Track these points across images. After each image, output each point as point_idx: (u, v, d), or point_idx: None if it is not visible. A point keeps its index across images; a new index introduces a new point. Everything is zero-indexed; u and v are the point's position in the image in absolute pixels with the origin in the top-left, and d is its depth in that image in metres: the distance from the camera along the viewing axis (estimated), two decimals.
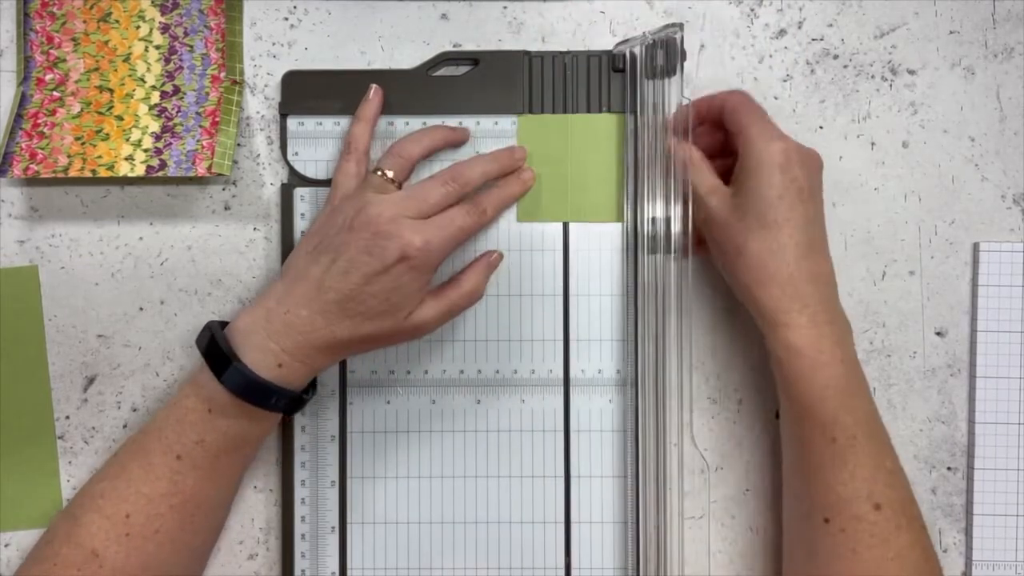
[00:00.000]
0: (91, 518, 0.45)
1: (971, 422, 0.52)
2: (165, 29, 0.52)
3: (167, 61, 0.52)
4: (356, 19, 0.53)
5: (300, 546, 0.51)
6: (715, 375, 0.52)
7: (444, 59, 0.52)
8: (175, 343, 0.52)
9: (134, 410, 0.52)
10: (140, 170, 0.50)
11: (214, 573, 0.51)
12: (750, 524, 0.52)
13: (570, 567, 0.51)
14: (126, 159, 0.50)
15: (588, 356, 0.51)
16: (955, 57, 0.52)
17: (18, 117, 0.50)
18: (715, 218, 0.46)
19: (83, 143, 0.50)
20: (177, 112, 0.51)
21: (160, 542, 0.45)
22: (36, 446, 0.52)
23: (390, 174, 0.48)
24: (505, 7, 0.53)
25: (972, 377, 0.52)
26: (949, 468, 0.52)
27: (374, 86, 0.51)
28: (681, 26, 0.47)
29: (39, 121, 0.51)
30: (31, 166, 0.50)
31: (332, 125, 0.52)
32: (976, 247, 0.52)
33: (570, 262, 0.52)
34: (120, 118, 0.51)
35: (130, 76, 0.51)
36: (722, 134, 0.49)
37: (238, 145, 0.52)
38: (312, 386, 0.49)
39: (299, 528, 0.51)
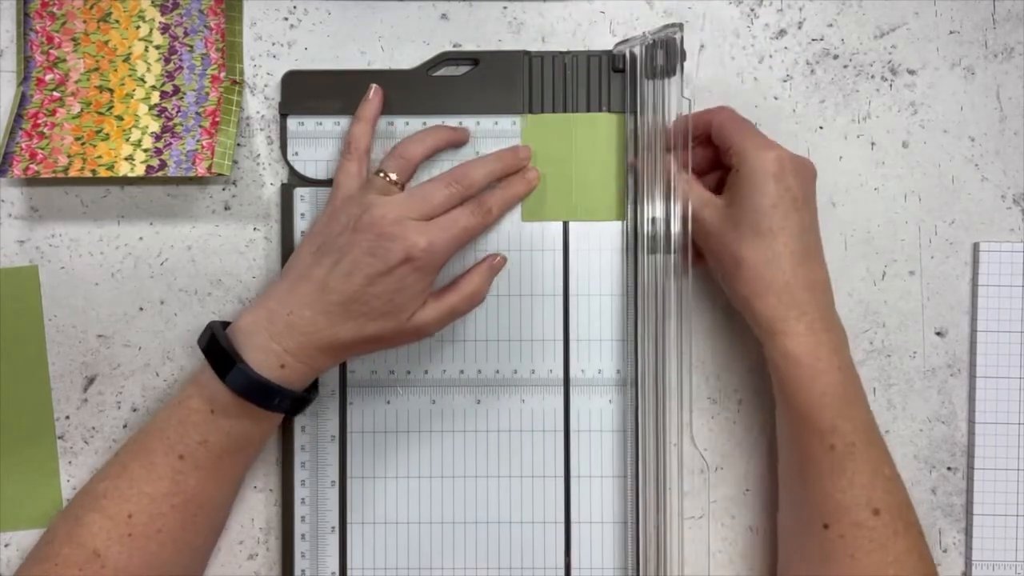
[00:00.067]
0: (93, 518, 0.45)
1: (971, 422, 0.52)
2: (165, 29, 0.52)
3: (167, 61, 0.52)
4: (356, 19, 0.53)
5: (300, 546, 0.51)
6: (715, 375, 0.52)
7: (444, 59, 0.52)
8: (175, 343, 0.52)
9: (134, 410, 0.52)
10: (140, 170, 0.50)
11: (214, 573, 0.51)
12: (750, 524, 0.52)
13: (570, 567, 0.51)
14: (126, 159, 0.50)
15: (588, 356, 0.51)
16: (955, 57, 0.52)
17: (18, 117, 0.50)
18: (710, 230, 0.47)
19: (83, 143, 0.50)
20: (177, 112, 0.51)
21: (162, 542, 0.45)
22: (36, 446, 0.52)
23: (393, 176, 0.48)
24: (505, 7, 0.53)
25: (972, 377, 0.52)
26: (949, 468, 0.52)
27: (374, 86, 0.51)
28: (681, 26, 0.47)
29: (39, 121, 0.51)
30: (31, 166, 0.50)
31: (332, 125, 0.52)
32: (976, 247, 0.52)
33: (570, 262, 0.52)
34: (120, 118, 0.51)
35: (130, 76, 0.51)
36: (710, 150, 0.49)
37: (238, 145, 0.52)
38: (314, 387, 0.49)
39: (299, 528, 0.51)
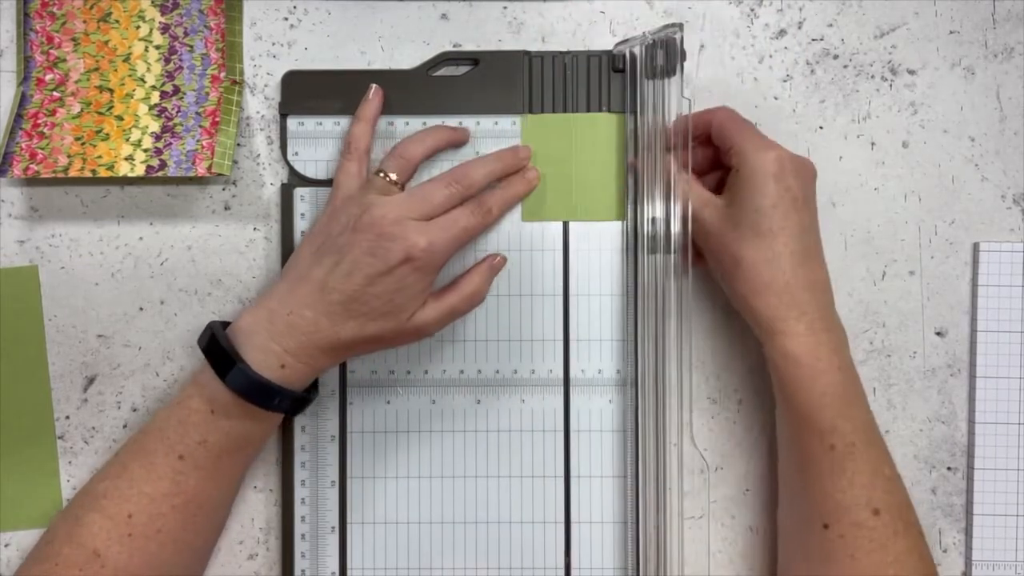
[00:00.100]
0: (93, 518, 0.45)
1: (971, 422, 0.52)
2: (165, 29, 0.52)
3: (167, 61, 0.52)
4: (356, 19, 0.53)
5: (300, 546, 0.51)
6: (715, 375, 0.52)
7: (444, 59, 0.52)
8: (175, 343, 0.52)
9: (134, 410, 0.52)
10: (140, 170, 0.50)
11: (214, 573, 0.51)
12: (750, 524, 0.52)
13: (570, 567, 0.51)
14: (126, 159, 0.50)
15: (588, 356, 0.51)
16: (955, 57, 0.52)
17: (18, 117, 0.50)
18: (710, 230, 0.47)
19: (83, 143, 0.50)
20: (177, 112, 0.51)
21: (162, 542, 0.45)
22: (36, 446, 0.52)
23: (393, 176, 0.48)
24: (505, 7, 0.53)
25: (972, 377, 0.52)
26: (949, 468, 0.52)
27: (374, 86, 0.51)
28: (681, 26, 0.47)
29: (39, 121, 0.51)
30: (31, 166, 0.50)
31: (332, 125, 0.52)
32: (976, 247, 0.52)
33: (570, 262, 0.52)
34: (120, 118, 0.51)
35: (130, 76, 0.51)
36: (710, 150, 0.49)
37: (238, 145, 0.52)
38: (314, 387, 0.49)
39: (299, 528, 0.51)
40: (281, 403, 0.46)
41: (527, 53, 0.52)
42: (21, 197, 0.52)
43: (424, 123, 0.52)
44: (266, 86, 0.52)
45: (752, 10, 0.53)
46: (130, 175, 0.50)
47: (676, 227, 0.47)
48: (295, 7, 0.53)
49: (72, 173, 0.50)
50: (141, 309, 0.52)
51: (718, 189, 0.48)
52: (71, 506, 0.47)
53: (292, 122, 0.52)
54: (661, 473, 0.48)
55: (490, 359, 0.52)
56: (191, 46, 0.52)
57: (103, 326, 0.52)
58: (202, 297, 0.52)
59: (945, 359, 0.52)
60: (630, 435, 0.51)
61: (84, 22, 0.52)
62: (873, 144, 0.52)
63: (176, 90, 0.51)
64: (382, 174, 0.48)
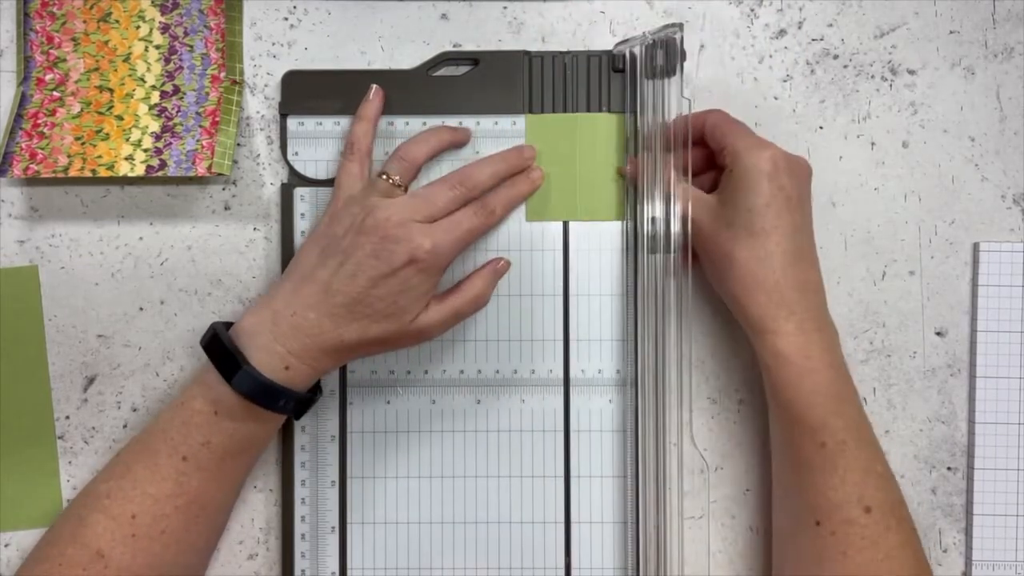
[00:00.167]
0: (96, 518, 0.45)
1: (971, 422, 0.52)
2: (165, 29, 0.52)
3: (167, 61, 0.52)
4: (356, 19, 0.53)
5: (300, 546, 0.51)
6: (715, 375, 0.52)
7: (444, 59, 0.52)
8: (175, 343, 0.52)
9: (134, 410, 0.52)
10: (140, 170, 0.50)
11: (214, 573, 0.51)
12: (750, 524, 0.52)
13: (570, 567, 0.51)
14: (126, 159, 0.50)
15: (588, 356, 0.51)
16: (955, 57, 0.52)
17: (18, 117, 0.50)
18: (703, 229, 0.47)
19: (83, 143, 0.50)
20: (177, 112, 0.51)
21: (166, 543, 0.45)
22: (36, 446, 0.52)
23: (396, 178, 0.48)
24: (505, 7, 0.53)
25: (972, 377, 0.52)
26: (949, 468, 0.52)
27: (375, 86, 0.51)
28: (681, 26, 0.47)
29: (39, 121, 0.51)
30: (31, 166, 0.50)
31: (332, 125, 0.52)
32: (976, 247, 0.52)
33: (570, 262, 0.52)
34: (120, 118, 0.51)
35: (130, 76, 0.51)
36: (704, 151, 0.49)
37: (238, 145, 0.52)
38: (317, 388, 0.50)
39: (299, 528, 0.51)
40: (286, 404, 0.46)
41: (527, 53, 0.52)
42: (21, 197, 0.52)
43: (424, 123, 0.52)
44: (266, 86, 0.52)
45: (752, 10, 0.53)
46: (130, 175, 0.50)
47: (676, 227, 0.47)
48: (295, 7, 0.53)
49: (72, 173, 0.50)
50: (141, 309, 0.52)
51: (711, 190, 0.48)
52: (74, 506, 0.47)
53: (292, 122, 0.52)
54: (661, 473, 0.48)
55: (490, 359, 0.52)
56: (191, 46, 0.52)
57: (103, 326, 0.52)
58: (202, 297, 0.52)
59: (945, 359, 0.52)
60: (630, 435, 0.51)
61: (84, 22, 0.52)
62: (873, 144, 0.52)
63: (176, 90, 0.51)
64: (385, 176, 0.48)
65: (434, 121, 0.52)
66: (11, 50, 0.52)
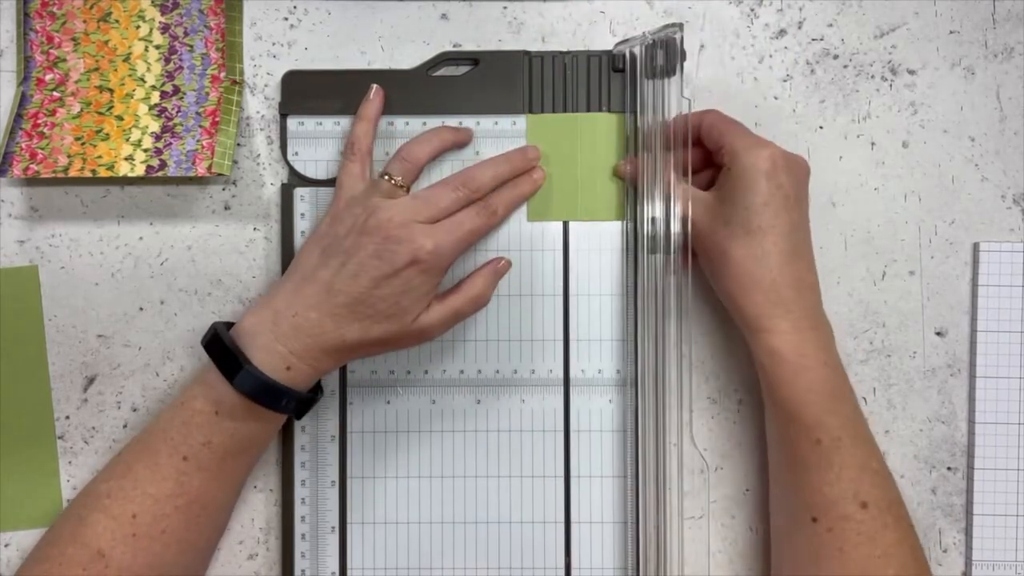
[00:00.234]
0: (97, 518, 0.45)
1: (971, 422, 0.52)
2: (165, 29, 0.52)
3: (167, 61, 0.52)
4: (356, 19, 0.53)
5: (300, 546, 0.51)
6: (715, 375, 0.52)
7: (444, 59, 0.52)
8: (175, 343, 0.52)
9: (134, 410, 0.52)
10: (140, 170, 0.50)
11: (214, 573, 0.51)
12: (750, 524, 0.52)
13: (570, 567, 0.51)
14: (126, 159, 0.50)
15: (588, 356, 0.51)
16: (955, 57, 0.52)
17: (18, 117, 0.50)
18: (700, 227, 0.47)
19: (83, 143, 0.50)
20: (177, 112, 0.51)
21: (166, 543, 0.45)
22: (36, 446, 0.52)
23: (398, 179, 0.48)
24: (505, 7, 0.53)
25: (972, 377, 0.52)
26: (949, 468, 0.52)
27: (375, 86, 0.51)
28: (681, 26, 0.47)
29: (39, 121, 0.51)
30: (31, 166, 0.50)
31: (332, 125, 0.52)
32: (976, 247, 0.52)
33: (570, 262, 0.52)
34: (120, 118, 0.51)
35: (130, 76, 0.51)
36: (700, 150, 0.49)
37: (238, 145, 0.52)
38: (319, 388, 0.50)
39: (299, 528, 0.51)
40: (288, 404, 0.46)
41: (527, 53, 0.52)
42: (21, 197, 0.52)
43: (424, 123, 0.52)
44: (266, 86, 0.52)
45: (752, 10, 0.53)
46: (130, 175, 0.50)
47: (676, 227, 0.47)
48: (295, 7, 0.53)
49: (72, 173, 0.50)
50: (141, 309, 0.52)
51: (706, 189, 0.48)
52: (74, 506, 0.47)
53: (292, 122, 0.52)
54: (661, 473, 0.48)
55: (490, 359, 0.52)
56: (191, 46, 0.52)
57: (103, 326, 0.52)
58: (202, 297, 0.52)
59: (945, 359, 0.52)
60: (630, 435, 0.51)
61: (84, 22, 0.52)
62: (873, 144, 0.52)
63: (176, 90, 0.51)
64: (387, 177, 0.48)
65: (434, 121, 0.52)
66: (11, 50, 0.52)
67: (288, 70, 0.52)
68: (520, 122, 0.52)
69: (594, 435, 0.51)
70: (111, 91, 0.51)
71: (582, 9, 0.53)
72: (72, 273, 0.52)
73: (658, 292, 0.48)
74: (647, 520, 0.49)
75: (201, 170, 0.50)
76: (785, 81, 0.52)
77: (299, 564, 0.51)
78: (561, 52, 0.52)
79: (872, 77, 0.52)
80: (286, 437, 0.51)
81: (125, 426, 0.52)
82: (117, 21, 0.52)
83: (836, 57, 0.52)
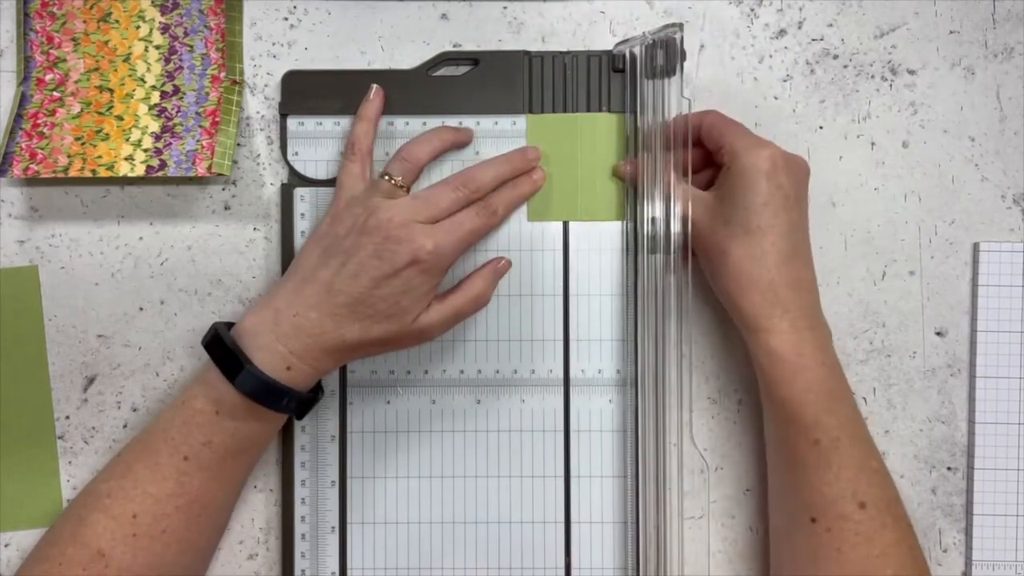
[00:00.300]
0: (97, 518, 0.45)
1: (971, 422, 0.52)
2: (165, 29, 0.52)
3: (167, 61, 0.52)
4: (356, 19, 0.53)
5: (300, 546, 0.51)
6: (715, 375, 0.52)
7: (444, 59, 0.52)
8: (175, 343, 0.52)
9: (134, 410, 0.52)
10: (140, 170, 0.50)
11: (214, 573, 0.51)
12: (750, 524, 0.52)
13: (570, 567, 0.51)
14: (126, 159, 0.50)
15: (588, 356, 0.51)
16: (955, 57, 0.52)
17: (18, 117, 0.50)
18: (699, 227, 0.47)
19: (83, 143, 0.50)
20: (177, 112, 0.51)
21: (167, 542, 0.45)
22: (36, 446, 0.52)
23: (398, 179, 0.48)
24: (505, 7, 0.53)
25: (972, 377, 0.52)
26: (949, 468, 0.52)
27: (375, 86, 0.51)
28: (681, 26, 0.47)
29: (39, 121, 0.51)
30: (31, 166, 0.50)
31: (332, 125, 0.52)
32: (976, 247, 0.52)
33: (570, 262, 0.52)
34: (120, 118, 0.51)
35: (130, 76, 0.51)
36: (699, 151, 0.49)
37: (238, 145, 0.52)
38: (319, 388, 0.50)
39: (299, 528, 0.51)
40: (289, 404, 0.46)
41: (527, 53, 0.52)
42: (21, 197, 0.52)
43: (424, 123, 0.52)
44: (266, 86, 0.52)
45: (752, 10, 0.53)
46: (130, 175, 0.50)
47: (676, 227, 0.47)
48: (295, 7, 0.53)
49: (72, 173, 0.50)
50: (141, 309, 0.52)
51: (705, 188, 0.48)
52: (74, 506, 0.47)
53: (292, 122, 0.52)
54: (661, 473, 0.48)
55: (490, 359, 0.52)
56: (191, 46, 0.52)
57: (103, 326, 0.52)
58: (202, 297, 0.52)
59: (945, 359, 0.52)
60: (630, 435, 0.51)
61: (84, 22, 0.52)
62: (873, 144, 0.52)
63: (176, 90, 0.51)
64: (387, 177, 0.48)
65: (434, 121, 0.52)
66: (11, 50, 0.52)
67: (288, 70, 0.52)
68: (520, 122, 0.52)
69: (594, 435, 0.51)
70: (111, 91, 0.51)
71: (582, 9, 0.53)
72: (72, 273, 0.52)
73: (658, 292, 0.48)
74: (647, 520, 0.49)
75: (201, 170, 0.50)
76: (785, 81, 0.52)
77: (299, 564, 0.51)
78: (561, 52, 0.52)
79: (872, 77, 0.52)
80: (286, 437, 0.51)
81: (125, 426, 0.52)
82: (117, 21, 0.52)
83: (836, 57, 0.52)
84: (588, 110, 0.52)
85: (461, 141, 0.51)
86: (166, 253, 0.52)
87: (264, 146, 0.52)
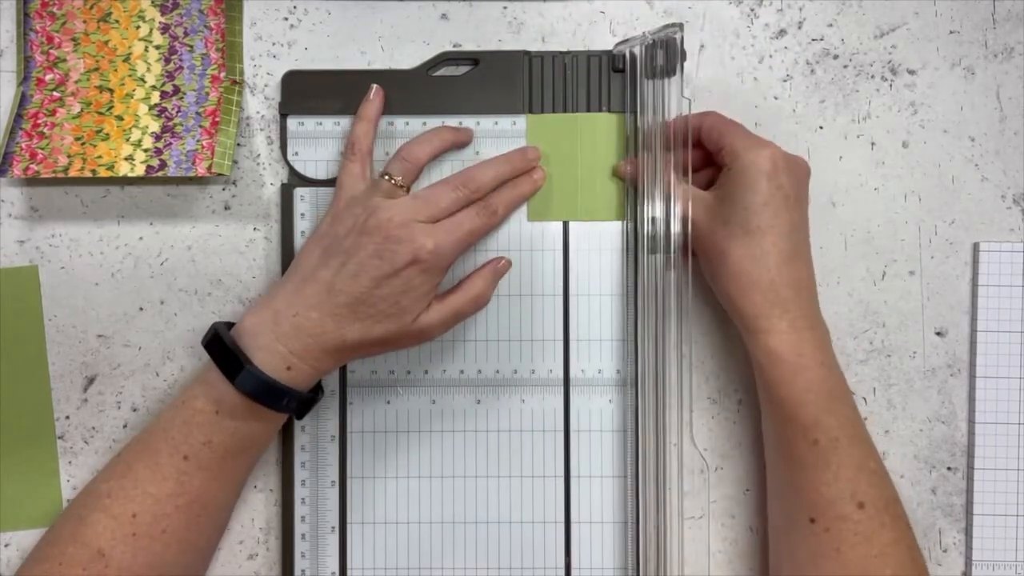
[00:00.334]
0: (97, 517, 0.45)
1: (971, 422, 0.52)
2: (165, 29, 0.52)
3: (167, 61, 0.52)
4: (356, 19, 0.53)
5: (300, 546, 0.51)
6: (715, 375, 0.52)
7: (444, 59, 0.52)
8: (175, 343, 0.52)
9: (134, 410, 0.52)
10: (140, 170, 0.50)
11: (214, 573, 0.51)
12: (750, 524, 0.52)
13: (570, 567, 0.51)
14: (126, 159, 0.50)
15: (588, 356, 0.51)
16: (955, 57, 0.52)
17: (18, 117, 0.50)
18: (699, 227, 0.47)
19: (83, 143, 0.50)
20: (177, 112, 0.51)
21: (167, 542, 0.45)
22: (36, 446, 0.52)
23: (398, 179, 0.48)
24: (505, 7, 0.53)
25: (972, 377, 0.52)
26: (949, 468, 0.52)
27: (375, 86, 0.51)
28: (681, 26, 0.47)
29: (39, 121, 0.51)
30: (31, 166, 0.50)
31: (332, 125, 0.52)
32: (976, 247, 0.52)
33: (570, 262, 0.52)
34: (120, 118, 0.51)
35: (130, 76, 0.51)
36: (699, 151, 0.49)
37: (238, 145, 0.52)
38: (319, 388, 0.50)
39: (299, 528, 0.51)
40: (289, 404, 0.46)
41: (527, 53, 0.52)
42: (21, 197, 0.52)
43: (424, 123, 0.52)
44: (266, 86, 0.52)
45: (752, 10, 0.53)
46: (130, 175, 0.50)
47: (676, 227, 0.47)
48: (295, 7, 0.53)
49: (72, 173, 0.50)
50: (141, 309, 0.52)
51: (705, 188, 0.48)
52: (74, 505, 0.47)
53: (292, 122, 0.52)
54: (661, 473, 0.48)
55: (490, 359, 0.52)
56: (191, 46, 0.52)
57: (103, 326, 0.52)
58: (202, 297, 0.52)
59: (945, 359, 0.52)
60: (630, 435, 0.51)
61: (84, 22, 0.52)
62: (873, 144, 0.52)
63: (176, 90, 0.51)
64: (387, 177, 0.48)
65: (434, 121, 0.52)
66: (11, 50, 0.52)
67: (288, 70, 0.52)
68: (520, 122, 0.52)
69: (594, 435, 0.51)
70: (111, 91, 0.51)
71: (582, 9, 0.53)
72: (72, 273, 0.52)
73: (658, 292, 0.48)
74: (647, 520, 0.49)
75: (201, 170, 0.50)
76: (785, 81, 0.52)
77: (299, 564, 0.51)
78: (561, 52, 0.52)
79: (872, 77, 0.52)
80: (286, 437, 0.51)
81: (125, 426, 0.52)
82: (117, 21, 0.52)
83: (836, 57, 0.52)
84: (588, 110, 0.52)
85: (461, 141, 0.51)
86: (166, 253, 0.52)
87: (264, 146, 0.52)
